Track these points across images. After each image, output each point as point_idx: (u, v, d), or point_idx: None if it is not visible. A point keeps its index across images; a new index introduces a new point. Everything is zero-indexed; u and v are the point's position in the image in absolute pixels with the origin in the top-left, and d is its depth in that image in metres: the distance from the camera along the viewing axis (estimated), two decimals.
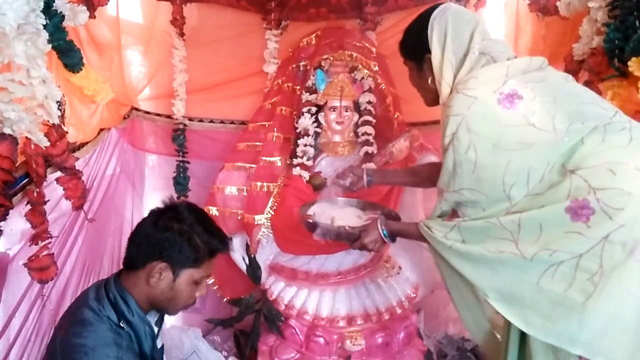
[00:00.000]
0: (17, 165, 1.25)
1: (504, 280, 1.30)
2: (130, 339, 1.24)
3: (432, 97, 1.53)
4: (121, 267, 1.35)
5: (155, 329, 1.38)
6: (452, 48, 1.42)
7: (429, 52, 1.46)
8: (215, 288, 2.39)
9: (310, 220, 1.81)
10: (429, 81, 1.50)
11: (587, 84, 1.70)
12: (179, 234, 1.28)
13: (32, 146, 1.32)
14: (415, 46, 1.52)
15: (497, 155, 1.29)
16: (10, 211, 1.26)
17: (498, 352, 1.50)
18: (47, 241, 1.42)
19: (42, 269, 1.42)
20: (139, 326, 1.27)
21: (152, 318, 1.37)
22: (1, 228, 1.22)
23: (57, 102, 1.44)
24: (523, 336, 1.36)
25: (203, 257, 1.31)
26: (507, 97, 1.30)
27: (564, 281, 1.21)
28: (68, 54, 1.54)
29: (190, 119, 2.57)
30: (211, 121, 2.61)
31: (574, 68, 1.82)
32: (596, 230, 1.16)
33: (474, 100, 1.31)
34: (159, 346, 1.43)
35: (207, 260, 1.33)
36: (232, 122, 2.60)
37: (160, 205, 1.36)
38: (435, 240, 1.43)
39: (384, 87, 2.28)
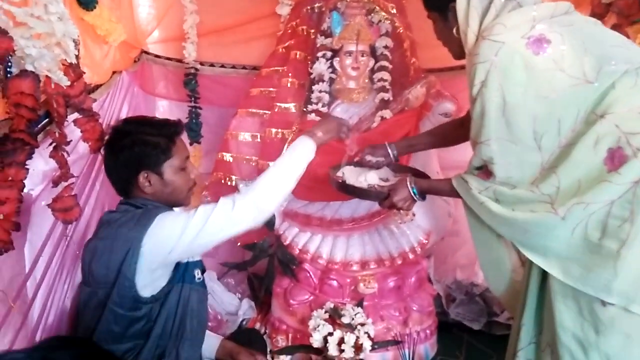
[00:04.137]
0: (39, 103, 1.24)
1: (537, 238, 1.31)
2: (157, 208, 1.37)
3: (459, 49, 1.49)
4: None
5: None
6: None
7: (453, 0, 1.41)
8: None
9: (340, 181, 1.81)
10: (454, 31, 1.46)
11: (615, 27, 1.66)
12: (135, 144, 1.37)
13: (53, 85, 1.29)
14: None
15: (526, 102, 1.27)
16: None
17: (517, 304, 1.54)
18: (70, 181, 1.42)
19: (66, 210, 1.42)
20: (158, 208, 1.38)
21: None
22: (27, 167, 1.21)
23: (73, 40, 1.41)
24: (542, 284, 1.39)
25: (168, 146, 1.40)
26: (535, 42, 1.27)
27: (597, 230, 1.22)
28: None
29: (201, 64, 2.52)
30: (222, 66, 2.56)
31: (600, 11, 1.77)
32: (627, 175, 1.16)
33: (501, 46, 1.28)
34: None
35: (173, 146, 1.41)
36: (244, 67, 2.55)
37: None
38: (468, 194, 1.44)
39: (401, 31, 2.22)
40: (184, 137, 2.49)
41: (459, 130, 1.79)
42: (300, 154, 1.46)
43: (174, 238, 1.28)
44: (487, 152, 1.36)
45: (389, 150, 1.89)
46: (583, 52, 1.26)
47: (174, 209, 1.46)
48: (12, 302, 1.16)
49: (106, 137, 1.47)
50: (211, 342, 1.62)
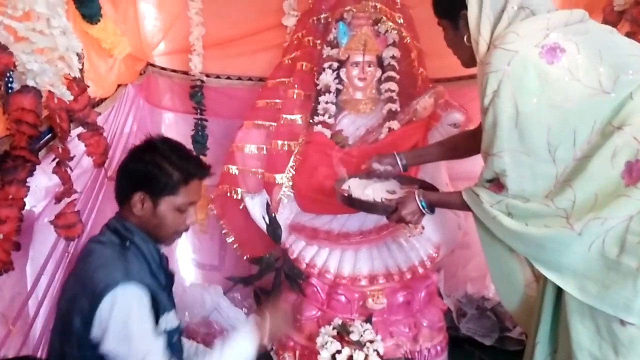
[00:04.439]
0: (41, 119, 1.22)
1: (553, 253, 1.27)
2: (135, 256, 1.29)
3: (469, 57, 1.45)
4: None
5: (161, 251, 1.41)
6: (489, 3, 1.34)
7: (465, 8, 1.38)
8: (235, 247, 2.38)
9: (346, 194, 1.78)
10: (465, 39, 1.42)
11: (628, 36, 1.61)
12: (151, 163, 1.31)
13: (55, 100, 1.27)
14: (450, 2, 1.44)
15: (540, 112, 1.23)
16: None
17: (531, 321, 1.49)
18: (72, 198, 1.39)
19: (68, 227, 1.41)
20: (141, 244, 1.31)
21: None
22: (28, 185, 1.19)
23: (77, 54, 1.39)
24: (557, 301, 1.35)
25: (178, 183, 1.33)
26: (549, 51, 1.23)
27: (615, 246, 1.18)
28: (86, 4, 1.48)
29: (207, 75, 2.50)
30: (228, 77, 2.53)
31: (613, 19, 1.73)
32: None
33: (514, 55, 1.24)
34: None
35: (183, 186, 1.34)
36: (249, 79, 2.52)
37: None
38: (479, 207, 1.40)
39: (408, 41, 2.19)
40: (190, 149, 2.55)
41: (470, 142, 1.72)
42: (241, 353, 1.36)
43: (118, 346, 1.16)
44: (500, 164, 1.32)
45: (397, 160, 1.83)
46: (599, 62, 1.22)
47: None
48: (11, 325, 1.13)
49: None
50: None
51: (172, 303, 1.44)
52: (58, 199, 1.37)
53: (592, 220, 1.19)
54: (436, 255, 2.18)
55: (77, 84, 1.39)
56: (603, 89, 1.20)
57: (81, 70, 1.47)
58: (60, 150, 1.32)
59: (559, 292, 1.34)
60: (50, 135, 1.34)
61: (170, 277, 1.45)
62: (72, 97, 1.33)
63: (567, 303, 1.29)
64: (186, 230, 1.42)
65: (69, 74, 1.34)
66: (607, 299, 1.20)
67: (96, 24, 1.61)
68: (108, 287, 1.16)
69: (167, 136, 1.45)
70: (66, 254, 1.53)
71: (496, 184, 1.39)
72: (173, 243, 1.45)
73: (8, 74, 1.11)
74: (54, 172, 1.34)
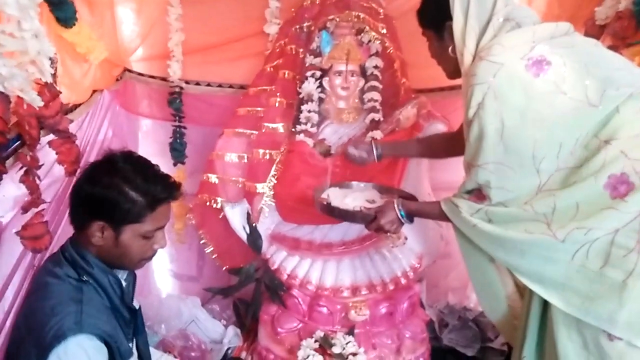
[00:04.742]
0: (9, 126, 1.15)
1: (534, 261, 1.26)
2: (96, 292, 1.19)
3: (453, 68, 1.45)
4: None
5: (122, 281, 1.30)
6: (475, 14, 1.34)
7: (450, 19, 1.37)
8: (214, 257, 2.33)
9: (325, 203, 1.77)
10: (449, 50, 1.41)
11: (611, 49, 1.62)
12: (112, 188, 1.17)
13: (25, 106, 1.21)
14: (435, 13, 1.43)
15: (526, 126, 1.22)
16: (4, 176, 1.16)
17: (515, 332, 1.48)
18: (40, 208, 1.32)
19: (35, 238, 1.33)
20: (101, 277, 1.20)
21: (122, 274, 1.31)
22: None
23: (50, 59, 1.33)
24: (544, 313, 1.33)
25: (143, 211, 1.19)
26: (535, 63, 1.23)
27: (598, 257, 1.17)
28: (61, 7, 1.42)
29: (186, 82, 2.44)
30: (208, 84, 2.49)
31: (594, 33, 1.75)
32: (633, 204, 1.12)
33: (499, 67, 1.23)
34: (136, 306, 1.37)
35: (149, 213, 1.21)
36: (230, 86, 2.48)
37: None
38: (459, 217, 1.38)
39: (391, 51, 2.18)
40: (167, 157, 2.49)
41: (447, 144, 1.78)
42: None
43: None
44: (484, 175, 1.31)
45: (373, 148, 1.87)
46: (585, 75, 1.22)
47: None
48: None
49: (97, 160, 1.28)
50: None
51: (142, 337, 1.37)
52: (25, 210, 1.30)
53: (576, 230, 1.18)
54: (419, 266, 2.17)
55: (48, 90, 1.32)
56: (590, 102, 1.20)
57: (54, 75, 1.41)
58: (28, 158, 1.25)
59: (545, 305, 1.33)
60: (18, 142, 1.28)
61: (133, 311, 1.35)
62: (42, 103, 1.26)
63: (553, 316, 1.28)
64: (154, 254, 1.31)
65: (40, 79, 1.28)
66: (592, 310, 1.19)
67: (71, 27, 1.55)
68: (57, 339, 1.06)
69: (129, 150, 1.32)
70: (33, 266, 1.46)
71: (476, 194, 1.38)
72: (141, 268, 1.34)
73: None
74: (21, 181, 1.27)
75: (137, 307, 1.38)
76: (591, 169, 1.18)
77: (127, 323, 1.29)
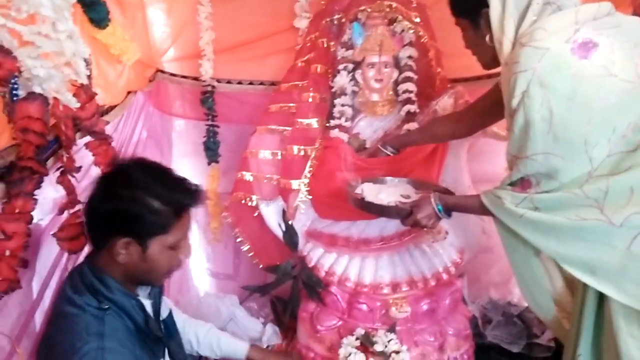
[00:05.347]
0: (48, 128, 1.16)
1: (588, 249, 1.19)
2: (119, 317, 1.13)
3: (490, 58, 1.40)
4: None
5: (147, 302, 1.26)
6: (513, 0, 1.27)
7: (486, 6, 1.31)
8: (250, 255, 2.32)
9: (360, 198, 1.74)
10: (487, 39, 1.36)
11: None
12: (133, 200, 1.11)
13: (61, 107, 1.21)
14: (470, 1, 1.38)
15: (575, 113, 1.16)
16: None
17: (566, 333, 1.41)
18: (76, 208, 1.32)
19: (72, 239, 1.32)
20: (123, 302, 1.14)
21: (143, 292, 1.27)
22: (36, 197, 1.13)
23: (84, 60, 1.33)
24: (599, 308, 1.26)
25: (169, 220, 1.14)
26: (581, 46, 1.16)
27: None
28: (94, 8, 1.42)
29: (218, 81, 2.44)
30: (239, 82, 2.47)
31: None
32: None
33: (544, 52, 1.17)
34: (165, 315, 1.34)
35: (176, 222, 1.15)
36: (261, 83, 2.46)
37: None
38: (503, 209, 1.32)
39: (425, 40, 2.11)
40: (201, 156, 2.50)
41: (449, 127, 1.84)
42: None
43: None
44: (533, 167, 1.25)
45: (385, 152, 1.97)
46: (635, 55, 1.15)
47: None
48: (17, 348, 1.06)
49: (107, 172, 1.22)
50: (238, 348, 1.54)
51: (175, 340, 1.35)
52: (61, 211, 1.30)
53: (635, 215, 1.12)
54: (460, 260, 2.10)
55: (84, 91, 1.32)
56: None
57: (89, 77, 1.41)
58: (65, 159, 1.25)
59: (601, 299, 1.26)
60: (57, 144, 1.28)
61: (170, 317, 1.32)
62: (78, 105, 1.26)
63: (611, 310, 1.21)
64: (180, 265, 1.25)
65: (76, 81, 1.28)
66: None
67: (104, 28, 1.56)
68: None
69: (139, 157, 1.26)
70: (69, 267, 1.47)
71: (521, 184, 1.32)
72: (163, 282, 1.30)
73: (13, 80, 1.05)
74: (58, 182, 1.26)
75: (167, 314, 1.35)
76: None
77: (156, 340, 1.25)
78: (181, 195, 1.17)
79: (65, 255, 1.42)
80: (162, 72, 2.40)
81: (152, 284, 1.27)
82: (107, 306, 1.12)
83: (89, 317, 1.09)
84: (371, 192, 1.81)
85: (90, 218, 1.18)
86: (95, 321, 1.09)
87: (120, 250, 1.12)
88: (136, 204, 1.11)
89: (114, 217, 1.12)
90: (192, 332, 1.59)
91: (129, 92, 1.99)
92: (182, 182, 1.20)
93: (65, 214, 1.32)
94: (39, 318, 1.34)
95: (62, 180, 1.28)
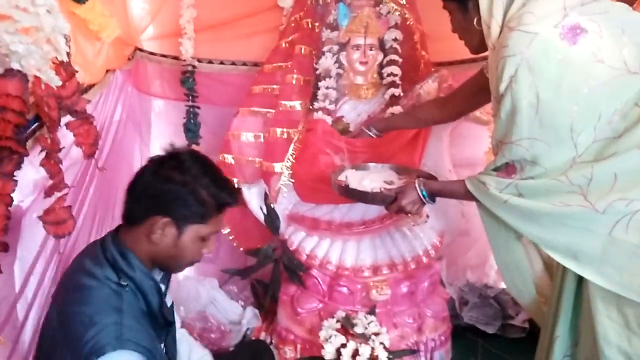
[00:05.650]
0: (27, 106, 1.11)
1: (571, 235, 1.21)
2: (134, 296, 1.15)
3: (478, 42, 1.40)
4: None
5: (162, 286, 1.27)
6: None
7: None
8: (231, 238, 2.30)
9: (344, 185, 1.74)
10: (475, 23, 1.35)
11: None
12: (183, 186, 1.15)
13: (42, 86, 1.17)
14: None
15: (562, 98, 1.17)
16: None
17: (544, 315, 1.45)
18: (63, 192, 1.29)
19: (58, 223, 1.30)
20: (142, 281, 1.16)
21: (156, 276, 1.27)
22: (15, 178, 1.09)
23: (64, 36, 1.28)
24: (578, 291, 1.30)
25: (210, 212, 1.19)
26: (569, 31, 1.17)
27: (639, 230, 1.12)
28: None
29: (199, 61, 2.39)
30: (221, 62, 2.43)
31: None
32: None
33: (533, 37, 1.18)
34: (168, 304, 1.33)
35: (215, 215, 1.20)
36: (244, 64, 2.42)
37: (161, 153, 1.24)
38: (487, 195, 1.33)
39: (411, 23, 2.11)
40: (181, 138, 2.45)
41: (434, 112, 1.85)
42: None
43: None
44: (518, 152, 1.26)
45: (369, 133, 1.97)
46: (623, 41, 1.17)
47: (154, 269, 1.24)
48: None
49: (161, 154, 1.23)
50: None
51: (172, 331, 1.34)
52: (48, 194, 1.26)
53: (618, 201, 1.14)
54: (440, 244, 2.13)
55: (64, 69, 1.28)
56: (629, 69, 1.15)
57: (68, 54, 1.36)
58: (48, 141, 1.21)
59: (580, 282, 1.29)
60: (37, 124, 1.24)
61: (171, 309, 1.31)
62: (60, 83, 1.22)
63: (589, 293, 1.24)
64: (199, 260, 1.28)
65: (56, 58, 1.23)
66: (632, 285, 1.15)
67: (84, 3, 1.50)
68: (95, 353, 1.01)
69: (193, 149, 1.29)
70: (57, 252, 1.43)
71: (505, 170, 1.33)
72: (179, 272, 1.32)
73: None
74: (41, 164, 1.23)
75: (170, 305, 1.34)
76: (633, 139, 1.13)
77: (162, 326, 1.26)
78: (226, 194, 1.22)
79: (51, 239, 1.38)
80: (141, 50, 2.34)
81: (172, 270, 1.29)
82: (125, 283, 1.14)
83: (108, 291, 1.11)
84: (355, 179, 1.81)
85: (134, 193, 1.20)
86: (114, 295, 1.11)
87: (158, 229, 1.15)
88: (186, 188, 1.15)
89: (161, 196, 1.15)
90: (185, 353, 1.53)
91: (107, 71, 1.93)
92: (228, 182, 1.27)
93: (52, 197, 1.28)
94: (21, 307, 1.30)
95: (47, 163, 1.24)
